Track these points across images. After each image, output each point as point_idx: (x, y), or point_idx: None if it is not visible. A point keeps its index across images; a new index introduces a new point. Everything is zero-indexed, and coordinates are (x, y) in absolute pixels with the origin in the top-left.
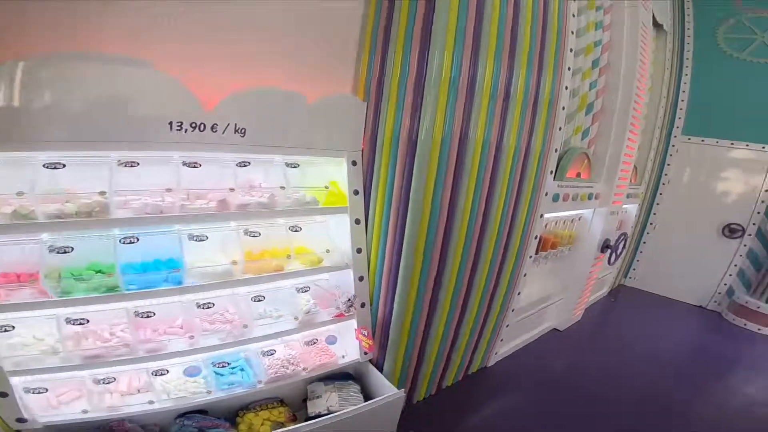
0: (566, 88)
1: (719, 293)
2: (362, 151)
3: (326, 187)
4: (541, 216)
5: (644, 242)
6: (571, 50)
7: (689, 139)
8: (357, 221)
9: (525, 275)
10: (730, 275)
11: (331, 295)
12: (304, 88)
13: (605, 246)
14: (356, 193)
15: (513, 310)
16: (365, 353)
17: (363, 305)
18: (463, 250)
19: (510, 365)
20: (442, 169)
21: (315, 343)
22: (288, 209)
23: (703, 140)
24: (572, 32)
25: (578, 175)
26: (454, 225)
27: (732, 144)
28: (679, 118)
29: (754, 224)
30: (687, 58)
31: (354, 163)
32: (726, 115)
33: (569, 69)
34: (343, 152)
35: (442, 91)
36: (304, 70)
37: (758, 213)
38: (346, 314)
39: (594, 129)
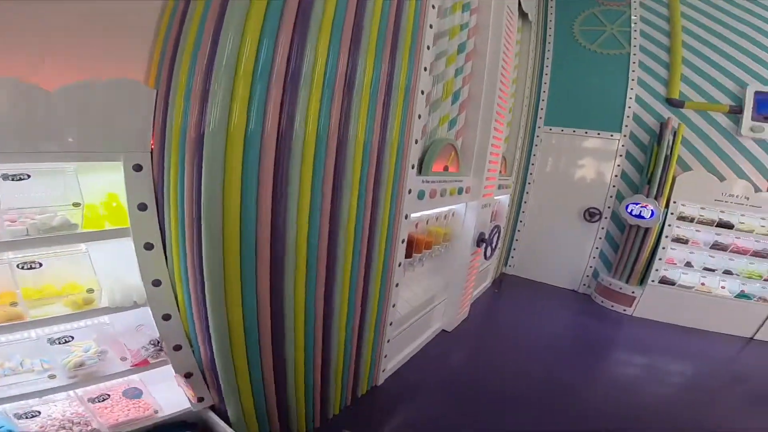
0: (425, 69)
1: (587, 276)
2: (151, 151)
3: (75, 205)
4: (407, 217)
5: (518, 230)
6: (431, 26)
7: (550, 129)
8: (148, 246)
9: (397, 285)
10: (594, 258)
11: (116, 343)
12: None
13: (480, 240)
14: (142, 208)
15: (391, 324)
16: (200, 399)
17: (178, 348)
18: (308, 268)
19: (402, 379)
20: (252, 170)
21: (105, 399)
22: (18, 240)
23: (562, 130)
24: (433, 6)
25: (446, 168)
26: (287, 239)
27: (586, 133)
28: (542, 109)
29: (609, 207)
30: (548, 50)
31: (137, 167)
32: (580, 105)
33: (428, 48)
34: (119, 154)
35: (241, 77)
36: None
37: (611, 197)
38: (154, 360)
39: (461, 119)
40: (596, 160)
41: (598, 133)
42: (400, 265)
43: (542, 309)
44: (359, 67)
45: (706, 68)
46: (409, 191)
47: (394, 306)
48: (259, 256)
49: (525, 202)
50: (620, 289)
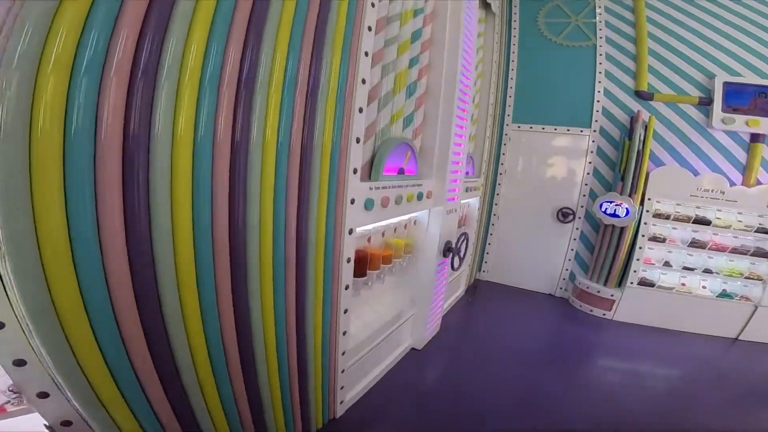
0: (366, 54)
1: (563, 279)
2: None
3: None
4: (351, 232)
5: (491, 234)
6: (372, 5)
7: (519, 126)
8: None
9: (346, 311)
10: (570, 260)
11: None
12: None
13: (447, 249)
14: None
15: (344, 353)
16: None
17: (44, 395)
18: (203, 305)
19: (365, 408)
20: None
21: None
22: None
23: (531, 127)
24: None
25: (401, 171)
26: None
27: (555, 129)
28: (509, 105)
29: (582, 206)
30: (513, 44)
31: None
32: (548, 101)
33: (369, 29)
34: None
35: (186, 84)
36: None
37: (584, 195)
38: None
39: (419, 115)
40: (567, 158)
41: (568, 129)
42: (348, 287)
43: (519, 316)
44: (264, 55)
45: (674, 59)
46: (352, 201)
47: (345, 333)
48: (116, 293)
49: (496, 204)
50: (598, 292)
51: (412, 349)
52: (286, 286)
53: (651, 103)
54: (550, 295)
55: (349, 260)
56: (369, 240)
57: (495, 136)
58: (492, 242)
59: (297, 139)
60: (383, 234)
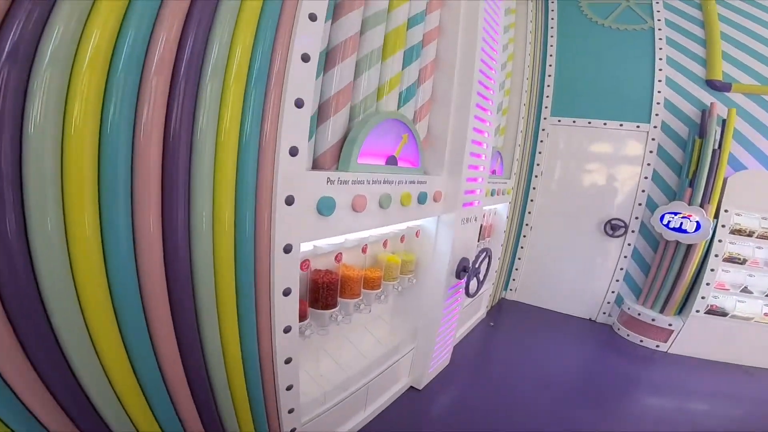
0: None
1: (608, 303)
2: None
3: None
4: (289, 250)
5: (521, 247)
6: None
7: (559, 120)
8: None
9: (289, 361)
10: (617, 281)
11: None
12: None
13: (461, 270)
14: None
15: (291, 411)
16: None
17: None
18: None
19: None
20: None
21: None
22: None
23: (574, 121)
24: None
25: (392, 161)
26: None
27: (605, 124)
28: (547, 96)
29: (636, 218)
30: (552, 27)
31: None
32: (595, 90)
33: None
34: None
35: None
36: None
37: (640, 204)
38: None
39: (425, 90)
40: (619, 159)
41: (621, 125)
42: (288, 330)
43: (550, 344)
44: None
45: (753, 44)
46: (289, 200)
47: (290, 388)
48: None
49: (529, 212)
50: (653, 320)
51: (411, 388)
52: (154, 336)
53: (728, 94)
54: (589, 320)
55: (288, 292)
56: (338, 258)
57: (529, 131)
58: (522, 256)
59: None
60: (364, 249)
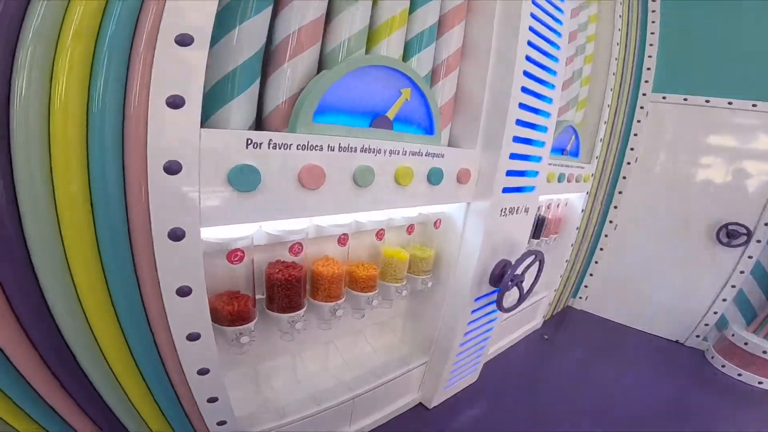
0: None
1: (705, 325)
2: None
3: None
4: (176, 238)
5: (601, 248)
6: None
7: (664, 97)
8: None
9: (204, 372)
10: (725, 300)
11: None
12: None
13: (498, 276)
14: None
15: (222, 423)
16: None
17: None
18: None
19: None
20: None
21: None
22: None
23: (685, 99)
24: None
25: (381, 122)
26: None
27: (730, 104)
28: (648, 68)
29: (766, 225)
30: None
31: None
32: (716, 59)
33: None
34: None
35: None
36: None
37: None
38: None
39: (452, 38)
40: (747, 148)
41: (754, 104)
42: (195, 338)
43: (620, 369)
44: None
45: None
46: (171, 167)
47: (213, 401)
48: None
49: (615, 207)
50: (764, 352)
51: (420, 406)
52: None
53: None
54: (676, 342)
55: (185, 291)
56: (292, 251)
57: (622, 107)
58: (601, 259)
59: None
60: (341, 241)
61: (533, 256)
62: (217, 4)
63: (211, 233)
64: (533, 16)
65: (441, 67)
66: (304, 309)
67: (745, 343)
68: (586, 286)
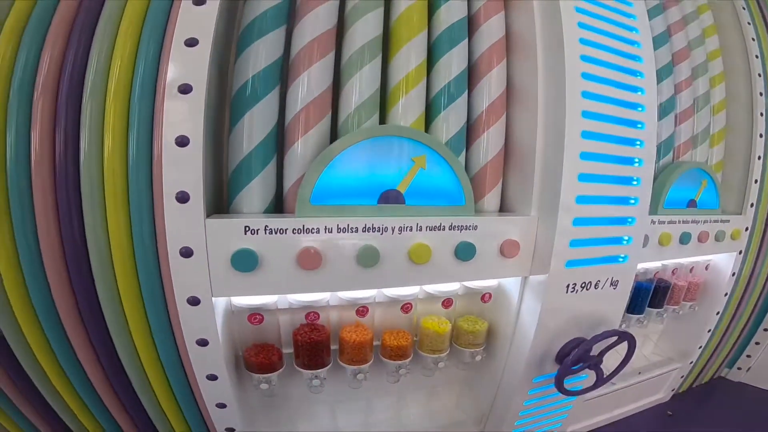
0: None
1: None
2: None
3: None
4: (194, 303)
5: None
6: None
7: None
8: None
9: (222, 406)
10: None
11: None
12: None
13: (565, 356)
14: None
15: None
16: None
17: None
18: None
19: None
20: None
21: None
22: None
23: None
24: None
25: (391, 197)
26: None
27: None
28: None
29: None
30: None
31: None
32: None
33: None
34: None
35: None
36: None
37: None
38: None
39: (494, 82)
40: None
41: None
42: (213, 378)
43: None
44: None
45: None
46: (185, 252)
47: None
48: None
49: None
50: None
51: None
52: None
53: None
54: None
55: (203, 342)
56: (308, 317)
57: None
58: None
59: None
60: (359, 311)
61: (622, 338)
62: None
63: (239, 299)
64: (583, 40)
65: (481, 118)
66: (327, 368)
67: None
68: (748, 356)
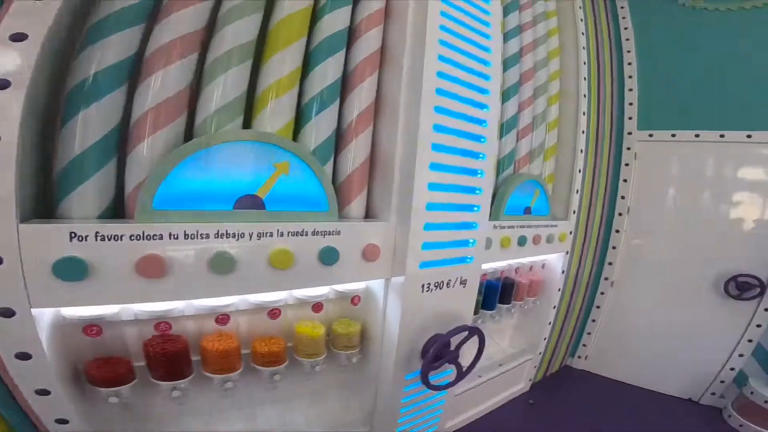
0: None
1: (721, 382)
2: None
3: None
4: (8, 315)
5: (597, 306)
6: None
7: (651, 135)
8: None
9: (63, 422)
10: (741, 356)
11: None
12: None
13: (431, 354)
14: None
15: None
16: None
17: None
18: None
19: None
20: None
21: None
22: None
23: (673, 135)
24: None
25: (249, 202)
26: None
27: (721, 137)
28: (630, 103)
29: None
30: (622, 6)
31: None
32: (704, 90)
33: None
34: None
35: None
36: None
37: None
38: None
39: (363, 94)
40: (748, 186)
41: (748, 136)
42: (44, 393)
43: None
44: None
45: None
46: None
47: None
48: None
49: (610, 264)
50: None
51: None
52: None
53: None
54: (690, 401)
55: (24, 356)
56: (158, 327)
57: (603, 151)
58: (599, 318)
59: None
60: (219, 320)
61: (471, 333)
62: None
63: (70, 311)
64: (442, 58)
65: (351, 127)
66: (189, 379)
67: (766, 402)
68: (584, 345)
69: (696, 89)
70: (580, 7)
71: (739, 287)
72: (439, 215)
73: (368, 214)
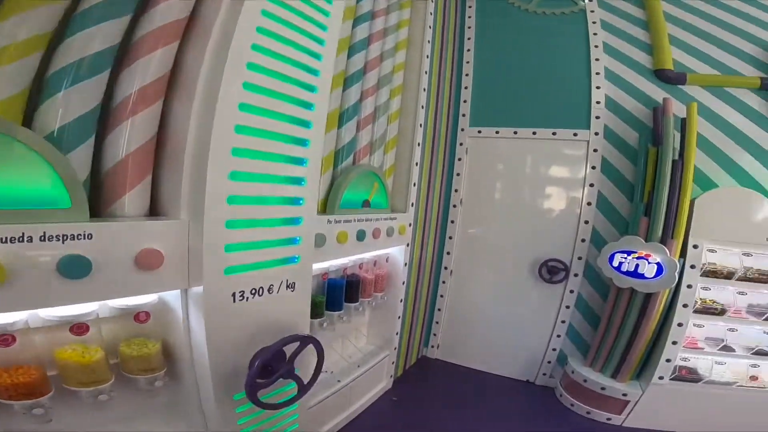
0: None
1: (548, 362)
2: None
3: None
4: None
5: (441, 296)
6: None
7: (479, 131)
8: None
9: None
10: (558, 336)
11: None
12: None
13: (254, 370)
14: None
15: None
16: None
17: None
18: None
19: None
20: None
21: None
22: None
23: (497, 132)
24: None
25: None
26: None
27: (534, 134)
28: (464, 100)
29: (579, 258)
30: (469, 15)
31: None
32: (523, 92)
33: None
34: None
35: None
36: None
37: (583, 241)
38: None
39: (151, 65)
40: (554, 179)
41: (553, 133)
42: None
43: (473, 418)
44: None
45: (711, 28)
46: None
47: None
48: None
49: (448, 253)
50: (602, 389)
51: None
52: None
53: (683, 88)
54: (527, 382)
55: None
56: None
57: (440, 146)
58: (443, 307)
59: None
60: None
61: (305, 343)
62: None
63: None
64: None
65: (126, 104)
66: None
67: (585, 381)
68: (435, 335)
69: (516, 88)
70: (432, 1)
71: (550, 271)
72: (248, 210)
73: (154, 212)
